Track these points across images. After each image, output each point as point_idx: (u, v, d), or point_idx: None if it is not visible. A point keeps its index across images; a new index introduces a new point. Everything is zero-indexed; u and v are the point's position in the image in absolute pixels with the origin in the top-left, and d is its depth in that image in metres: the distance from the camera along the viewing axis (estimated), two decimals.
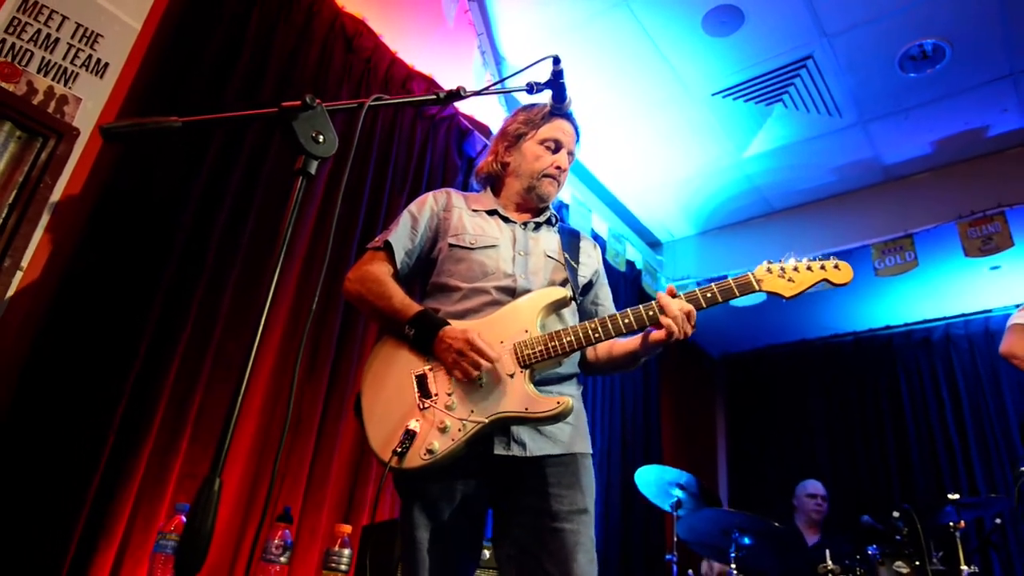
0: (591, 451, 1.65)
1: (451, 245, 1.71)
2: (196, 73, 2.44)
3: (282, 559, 1.94)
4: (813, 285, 1.57)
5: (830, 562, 3.23)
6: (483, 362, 1.48)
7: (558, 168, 1.81)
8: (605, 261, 4.59)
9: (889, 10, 3.31)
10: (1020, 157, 4.02)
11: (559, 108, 1.82)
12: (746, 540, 3.35)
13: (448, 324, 1.55)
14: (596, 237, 4.63)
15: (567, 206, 4.36)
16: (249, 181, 2.50)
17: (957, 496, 3.46)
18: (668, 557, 3.52)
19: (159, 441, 2.09)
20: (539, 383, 1.56)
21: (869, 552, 3.35)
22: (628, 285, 4.92)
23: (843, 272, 1.59)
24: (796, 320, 5.59)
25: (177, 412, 2.15)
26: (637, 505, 4.04)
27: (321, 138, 1.06)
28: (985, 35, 3.41)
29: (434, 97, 1.34)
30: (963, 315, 5.09)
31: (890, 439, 5.39)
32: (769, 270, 1.57)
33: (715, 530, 3.43)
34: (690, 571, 3.68)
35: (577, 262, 1.78)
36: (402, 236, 1.73)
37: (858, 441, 5.54)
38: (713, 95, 3.90)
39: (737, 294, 1.55)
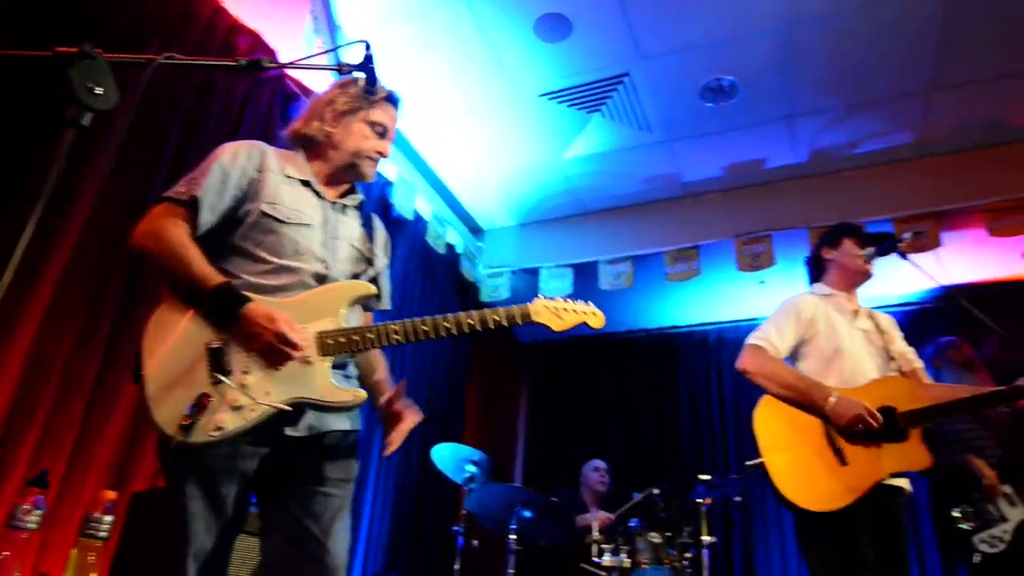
0: (360, 428, 1.72)
1: (264, 213, 1.63)
2: None
3: (31, 525, 1.81)
4: (576, 324, 1.82)
5: (596, 532, 3.60)
6: (294, 353, 1.50)
7: (380, 153, 1.82)
8: (425, 242, 4.72)
9: (696, 44, 3.70)
10: (788, 189, 4.66)
11: (391, 94, 1.85)
12: (526, 513, 3.63)
13: (251, 300, 1.51)
14: (419, 218, 4.70)
15: (392, 184, 4.38)
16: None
17: (708, 477, 3.99)
18: (454, 528, 3.72)
19: None
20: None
21: (631, 524, 3.77)
22: (446, 268, 5.05)
23: (598, 319, 1.86)
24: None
25: None
26: (432, 479, 4.19)
27: (99, 90, 1.01)
28: (769, 81, 3.91)
29: (233, 64, 1.31)
30: (734, 321, 5.81)
31: (667, 426, 6.02)
32: (545, 305, 1.77)
33: (500, 504, 3.67)
34: (475, 541, 3.89)
35: (374, 255, 1.83)
36: (210, 193, 1.60)
37: (642, 427, 6.11)
38: (540, 96, 4.11)
39: (519, 322, 1.73)
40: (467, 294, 5.35)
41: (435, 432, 4.52)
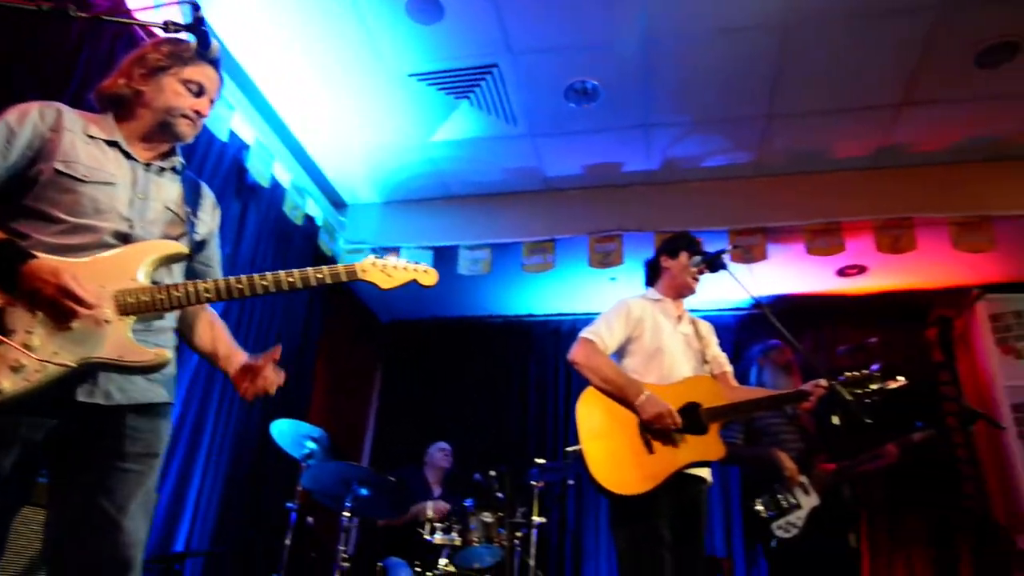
0: (174, 401, 1.68)
1: (59, 172, 1.54)
2: None
3: None
4: (406, 282, 1.80)
5: (430, 511, 3.69)
6: (81, 310, 1.42)
7: (197, 112, 1.77)
8: (282, 212, 4.57)
9: (564, 46, 3.82)
10: (640, 193, 4.94)
11: (207, 55, 1.79)
12: (363, 491, 3.65)
13: (35, 257, 1.42)
14: (276, 186, 4.54)
15: (248, 147, 4.19)
16: None
17: (543, 461, 4.20)
18: (288, 505, 3.67)
19: None
20: (136, 332, 1.55)
21: (465, 504, 3.89)
22: (303, 240, 4.91)
23: (430, 276, 1.84)
24: (458, 298, 6.10)
25: None
26: (271, 455, 4.10)
27: None
28: (629, 89, 4.11)
29: (32, 7, 1.22)
30: (586, 314, 6.08)
31: (516, 410, 6.22)
32: (374, 264, 1.77)
33: (337, 481, 3.67)
34: (309, 519, 3.86)
35: (196, 218, 1.77)
36: None
37: (492, 410, 6.27)
38: (409, 76, 4.08)
39: (344, 279, 1.72)
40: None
41: (278, 407, 4.40)
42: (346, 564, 3.53)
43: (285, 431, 3.77)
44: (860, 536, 5.03)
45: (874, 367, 2.69)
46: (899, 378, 2.68)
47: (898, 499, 5.14)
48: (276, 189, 4.54)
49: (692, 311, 3.13)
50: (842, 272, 5.27)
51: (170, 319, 1.68)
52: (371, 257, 1.78)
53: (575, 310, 6.15)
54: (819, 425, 3.72)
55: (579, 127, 4.44)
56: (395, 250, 5.18)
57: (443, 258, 5.08)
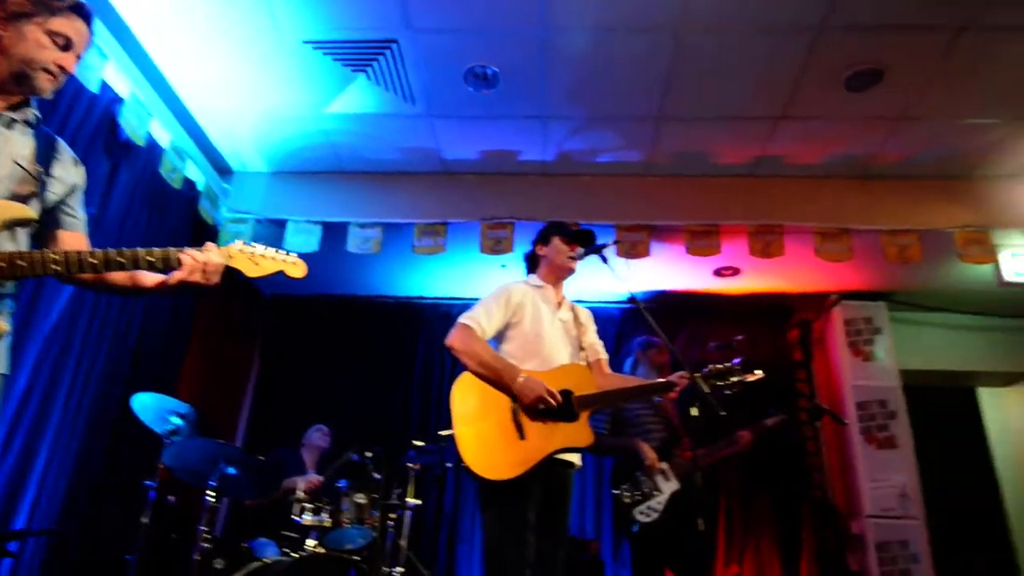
0: (8, 372, 1.57)
1: None
2: None
3: None
4: (274, 272, 1.79)
5: (300, 492, 3.61)
6: None
7: (61, 68, 1.63)
8: (158, 174, 4.29)
9: (465, 27, 3.78)
10: (535, 183, 5.00)
11: (80, 5, 1.66)
12: (230, 470, 3.51)
13: None
14: (154, 145, 4.25)
15: (122, 101, 3.90)
16: None
17: (422, 443, 4.20)
18: (147, 483, 3.47)
19: None
20: None
21: (339, 485, 3.83)
22: (182, 205, 4.63)
23: (299, 268, 1.84)
24: (348, 276, 5.96)
25: None
26: (132, 430, 3.86)
27: None
28: (528, 79, 4.14)
29: None
30: (476, 299, 6.06)
31: (401, 391, 6.17)
32: (241, 250, 1.74)
33: (203, 459, 3.52)
34: (170, 497, 3.68)
35: (49, 177, 1.64)
36: None
37: (380, 390, 6.19)
38: (304, 43, 3.93)
39: None
40: (204, 237, 4.93)
41: (143, 381, 4.15)
42: (207, 544, 3.39)
43: (148, 405, 3.57)
44: (717, 520, 5.38)
45: (735, 361, 2.87)
46: (757, 372, 2.87)
47: (752, 486, 5.52)
48: (153, 149, 4.25)
49: (579, 302, 3.22)
50: (718, 272, 5.56)
51: (9, 287, 1.55)
52: (239, 242, 1.75)
53: (465, 294, 6.17)
54: (682, 415, 3.93)
55: (477, 112, 4.43)
56: (282, 223, 5.00)
57: (332, 234, 4.94)
